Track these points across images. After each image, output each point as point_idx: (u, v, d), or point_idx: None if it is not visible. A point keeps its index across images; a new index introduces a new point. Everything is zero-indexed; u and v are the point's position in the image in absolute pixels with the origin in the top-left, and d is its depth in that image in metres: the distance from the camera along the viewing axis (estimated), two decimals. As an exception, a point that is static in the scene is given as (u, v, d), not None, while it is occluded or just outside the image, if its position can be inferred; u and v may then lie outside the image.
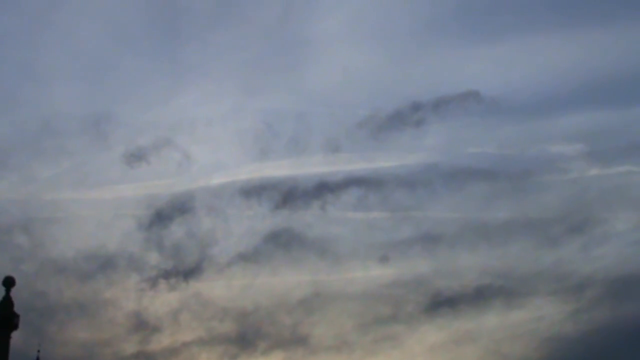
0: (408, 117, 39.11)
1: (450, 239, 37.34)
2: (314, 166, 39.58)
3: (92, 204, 38.25)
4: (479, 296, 36.00)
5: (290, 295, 36.50)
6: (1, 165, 36.80)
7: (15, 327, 22.94)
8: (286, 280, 37.40)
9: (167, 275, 34.71)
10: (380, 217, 38.71)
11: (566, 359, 35.60)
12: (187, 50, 44.56)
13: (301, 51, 45.69)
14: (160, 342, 33.88)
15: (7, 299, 23.00)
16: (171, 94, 44.36)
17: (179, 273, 34.90)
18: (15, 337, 23.15)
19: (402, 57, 47.15)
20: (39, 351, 24.52)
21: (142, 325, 33.89)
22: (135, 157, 37.40)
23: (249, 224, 37.74)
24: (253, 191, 37.52)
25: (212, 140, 41.87)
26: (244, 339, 34.62)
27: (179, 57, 44.95)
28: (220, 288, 36.67)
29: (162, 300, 34.77)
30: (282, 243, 36.22)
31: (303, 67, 45.46)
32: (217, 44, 45.22)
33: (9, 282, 23.06)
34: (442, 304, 35.73)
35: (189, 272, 35.07)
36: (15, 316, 22.92)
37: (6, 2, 43.17)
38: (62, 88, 42.83)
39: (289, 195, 37.19)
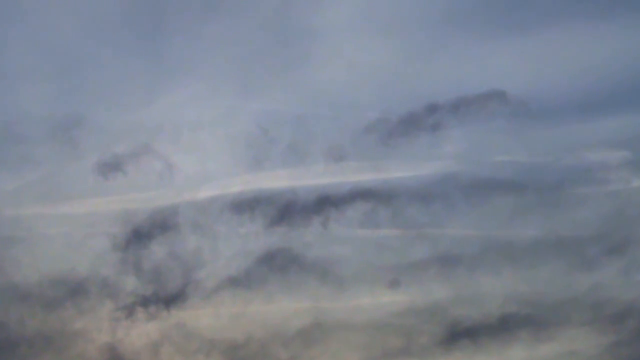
0: (423, 120, 38.04)
1: (471, 260, 36.61)
2: (315, 177, 38.32)
3: (60, 220, 37.27)
4: (504, 326, 35.78)
5: (287, 325, 36.02)
6: (-45, 176, 37.20)
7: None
8: (283, 307, 36.61)
9: (145, 302, 35.33)
10: (391, 236, 37.66)
11: (603, 400, 36.07)
12: (172, 44, 41.94)
13: (302, 45, 42.91)
14: (138, 379, 35.12)
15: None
16: (153, 95, 41.68)
17: (159, 300, 35.42)
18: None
19: (416, 52, 45.57)
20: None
21: (116, 359, 34.21)
22: (111, 166, 36.97)
23: (240, 243, 36.88)
24: (245, 206, 37.09)
25: (199, 148, 39.63)
26: (234, 375, 35.71)
27: (163, 52, 42.25)
28: (207, 317, 36.28)
29: (140, 331, 35.23)
30: (278, 265, 36.24)
31: (304, 63, 42.84)
32: (206, 38, 42.87)
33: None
34: (461, 335, 35.68)
35: (171, 299, 35.47)
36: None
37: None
38: (26, 87, 40.50)
39: (287, 210, 36.95)
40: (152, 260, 35.34)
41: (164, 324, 34.83)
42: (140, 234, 35.41)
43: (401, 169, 38.08)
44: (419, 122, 37.69)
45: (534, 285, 35.70)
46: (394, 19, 44.46)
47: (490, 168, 37.93)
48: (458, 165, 38.04)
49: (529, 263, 36.19)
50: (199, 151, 38.97)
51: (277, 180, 37.89)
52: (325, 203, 36.52)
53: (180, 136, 38.19)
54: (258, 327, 35.33)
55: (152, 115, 39.18)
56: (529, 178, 37.10)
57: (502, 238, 36.84)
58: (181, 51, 41.12)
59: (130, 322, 34.56)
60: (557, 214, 36.97)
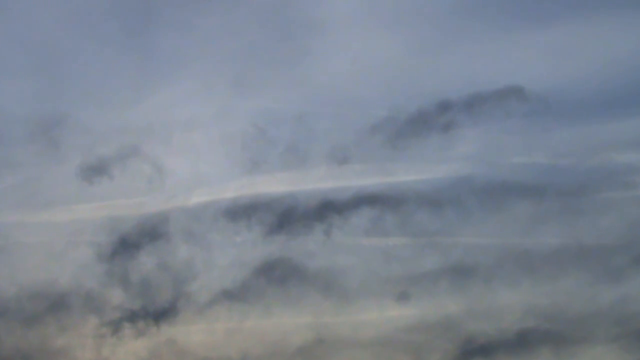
0: (434, 119, 37.33)
1: (486, 271, 35.88)
2: (316, 181, 37.60)
3: (40, 228, 36.70)
4: (522, 343, 34.89)
5: (287, 341, 35.31)
6: None
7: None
8: (282, 322, 36.08)
9: (133, 317, 34.81)
10: (399, 244, 37.00)
11: (630, 423, 35.16)
12: (161, 38, 41.35)
13: (302, 39, 41.84)
14: (125, 401, 34.53)
15: None
16: (141, 92, 40.95)
17: (148, 315, 34.88)
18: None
19: (427, 45, 44.65)
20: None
21: (102, 379, 34.57)
22: (96, 170, 36.27)
23: (236, 253, 36.26)
24: (241, 212, 36.40)
25: (191, 150, 39.04)
26: (230, 396, 35.04)
27: (152, 46, 41.63)
28: (200, 333, 35.69)
29: (128, 349, 34.67)
30: (277, 277, 35.66)
31: (304, 58, 41.55)
32: (198, 31, 41.67)
33: None
34: (475, 352, 34.88)
35: (161, 314, 34.93)
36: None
37: None
38: (4, 84, 39.74)
39: (286, 217, 36.36)
40: (140, 271, 34.82)
41: (153, 340, 34.37)
42: (128, 243, 34.87)
43: (410, 172, 37.32)
44: (430, 121, 36.84)
45: (555, 298, 35.00)
46: (403, 9, 42.88)
47: (507, 171, 37.23)
48: (472, 167, 37.25)
49: (549, 274, 35.37)
50: (191, 153, 38.26)
51: (275, 184, 37.18)
52: (327, 209, 35.75)
53: (171, 137, 37.39)
54: (255, 343, 34.68)
55: (141, 114, 38.43)
56: (549, 181, 36.38)
57: (520, 247, 35.93)
58: (171, 45, 40.26)
59: (116, 338, 34.12)
60: (580, 221, 36.24)
